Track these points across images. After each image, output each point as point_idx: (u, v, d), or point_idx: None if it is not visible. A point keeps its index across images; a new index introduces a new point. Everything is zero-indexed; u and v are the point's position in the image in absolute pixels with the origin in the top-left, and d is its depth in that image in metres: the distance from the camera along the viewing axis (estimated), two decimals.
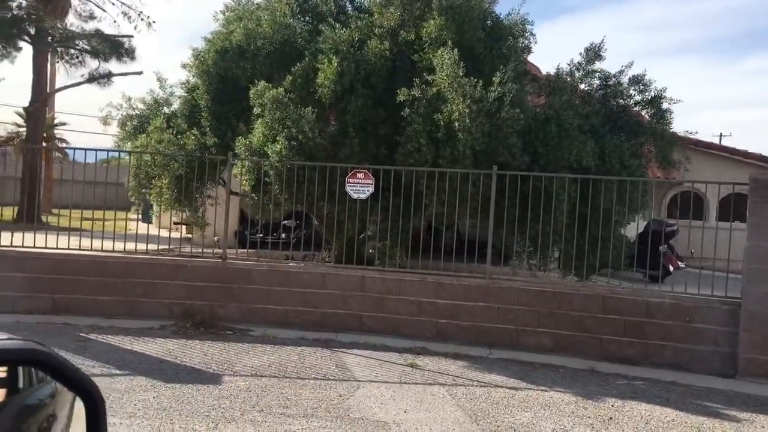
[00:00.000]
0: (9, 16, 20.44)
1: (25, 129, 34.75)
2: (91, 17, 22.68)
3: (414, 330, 8.14)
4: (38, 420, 1.84)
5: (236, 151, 9.15)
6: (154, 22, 24.08)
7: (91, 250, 8.62)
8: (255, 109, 9.16)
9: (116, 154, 14.73)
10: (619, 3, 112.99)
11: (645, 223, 13.44)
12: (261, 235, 14.25)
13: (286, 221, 16.25)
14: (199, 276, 8.47)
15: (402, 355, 7.40)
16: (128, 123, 11.01)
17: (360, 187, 8.35)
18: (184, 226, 22.65)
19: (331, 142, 9.16)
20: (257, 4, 11.54)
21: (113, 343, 7.18)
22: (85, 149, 9.64)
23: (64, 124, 37.73)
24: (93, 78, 22.24)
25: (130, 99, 11.13)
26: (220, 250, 8.83)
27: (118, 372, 6.11)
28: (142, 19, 23.74)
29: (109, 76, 22.27)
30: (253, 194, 9.23)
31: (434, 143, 8.49)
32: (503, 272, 9.26)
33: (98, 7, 23.75)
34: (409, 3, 9.85)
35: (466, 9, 9.51)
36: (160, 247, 10.43)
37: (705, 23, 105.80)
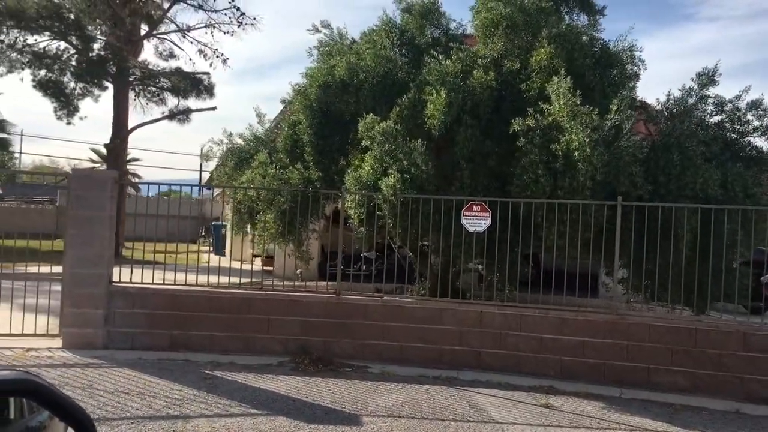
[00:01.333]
0: (95, 57, 21.25)
1: (99, 165, 36.17)
2: (171, 56, 23.43)
3: (536, 367, 7.86)
4: None
5: (345, 184, 9.12)
6: (227, 59, 24.74)
7: (206, 285, 8.64)
8: (364, 142, 9.13)
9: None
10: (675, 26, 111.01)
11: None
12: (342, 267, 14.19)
13: (365, 253, 16.22)
14: (314, 312, 8.39)
15: (530, 394, 7.13)
16: (230, 158, 11.14)
17: (476, 219, 8.17)
18: (257, 259, 22.84)
19: (441, 175, 9.03)
20: (352, 38, 11.64)
21: (240, 380, 7.11)
22: (190, 185, 9.76)
23: (137, 159, 39.01)
24: (173, 114, 22.84)
25: (231, 135, 11.29)
26: (328, 285, 8.75)
27: (256, 412, 6.01)
28: (217, 57, 24.42)
29: (187, 112, 22.83)
30: (361, 228, 9.12)
31: (552, 174, 8.27)
32: (592, 304, 8.98)
33: (176, 45, 24.58)
34: (513, 33, 9.74)
35: (575, 36, 9.36)
36: (243, 280, 10.36)
37: None
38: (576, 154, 7.95)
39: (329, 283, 10.49)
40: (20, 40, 21.50)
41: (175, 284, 8.60)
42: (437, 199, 8.40)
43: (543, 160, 8.27)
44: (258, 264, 21.49)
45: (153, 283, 8.54)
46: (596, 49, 9.78)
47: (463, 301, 8.46)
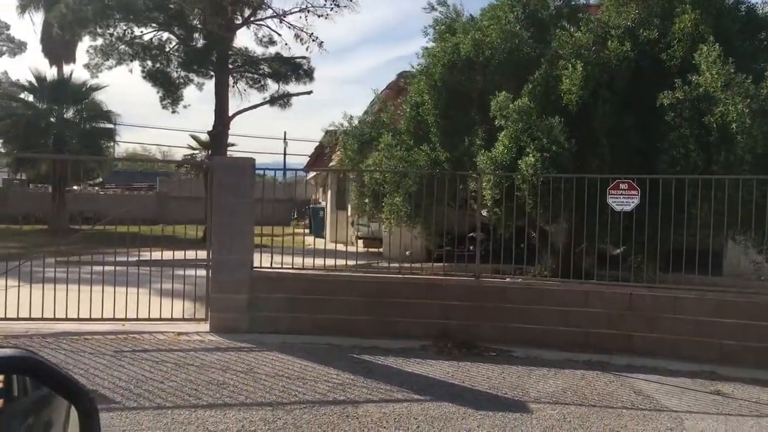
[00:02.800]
0: (199, 46, 21.76)
1: (198, 152, 37.19)
2: (271, 42, 23.69)
3: (693, 352, 7.48)
4: (35, 427, 1.87)
5: (478, 165, 8.94)
6: (323, 42, 24.82)
7: (344, 269, 8.68)
8: (497, 121, 8.90)
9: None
10: None
11: None
12: (448, 248, 14.00)
13: (472, 233, 15.97)
14: (453, 295, 8.29)
15: (695, 381, 6.79)
16: (351, 141, 11.13)
17: (624, 198, 7.82)
18: (361, 241, 22.91)
19: (578, 152, 8.70)
20: (470, 14, 11.38)
21: (391, 365, 7.10)
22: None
23: (233, 144, 39.85)
24: (274, 99, 23.19)
25: (351, 118, 11.28)
26: (472, 270, 8.61)
27: (420, 397, 5.96)
28: (313, 40, 24.53)
29: (287, 96, 23.11)
30: (496, 209, 8.91)
31: (704, 148, 7.81)
32: (723, 283, 8.53)
33: (274, 31, 24.82)
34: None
35: (719, 0, 8.79)
36: (351, 262, 10.18)
37: None
38: (733, 126, 7.47)
39: (446, 264, 10.33)
40: (128, 33, 22.27)
41: (314, 269, 8.68)
42: (580, 177, 8.08)
43: (694, 134, 7.81)
44: (360, 246, 21.71)
45: (292, 268, 8.64)
46: (742, 13, 9.15)
47: (611, 283, 8.16)
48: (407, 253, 13.28)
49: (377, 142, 10.52)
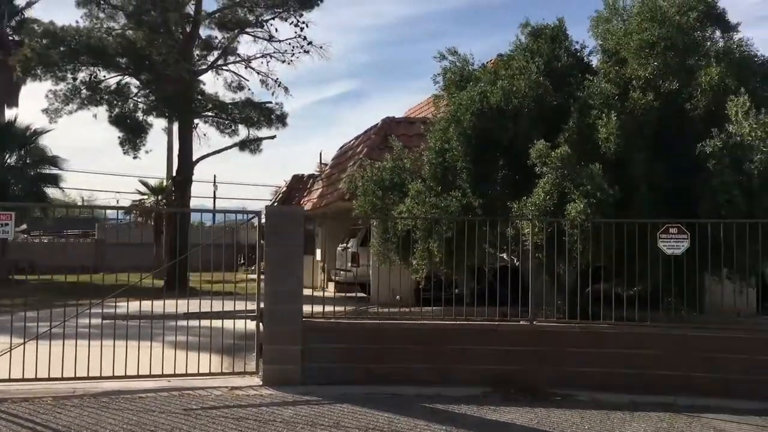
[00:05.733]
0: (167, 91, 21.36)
1: (146, 198, 36.24)
2: (239, 87, 23.58)
3: (750, 390, 7.73)
4: None
5: (519, 210, 9.11)
6: (287, 88, 24.86)
7: (397, 318, 8.60)
8: (537, 168, 9.13)
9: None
10: None
11: None
12: (444, 291, 14.07)
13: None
14: (509, 340, 8.32)
15: (764, 419, 7.02)
16: (373, 188, 11.14)
17: (674, 242, 8.11)
18: (331, 286, 22.66)
19: (620, 198, 8.99)
20: (484, 64, 11.72)
21: (469, 413, 7.04)
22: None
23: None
24: (243, 144, 22.97)
25: (371, 163, 11.31)
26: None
27: None
28: (279, 85, 24.56)
29: (258, 140, 22.94)
30: (538, 254, 9.04)
31: (746, 194, 8.23)
32: None
33: (238, 75, 24.69)
34: (670, 52, 9.75)
35: (740, 52, 9.40)
36: (339, 308, 10.08)
37: None
38: None
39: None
40: (93, 77, 21.69)
41: (367, 318, 8.57)
42: (631, 222, 8.33)
43: (736, 180, 8.24)
44: (331, 291, 21.44)
45: (345, 318, 8.51)
46: (760, 62, 9.84)
47: (665, 324, 8.37)
48: (397, 297, 13.25)
49: (403, 189, 10.58)
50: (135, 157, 23.69)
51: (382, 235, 10.86)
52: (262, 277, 8.35)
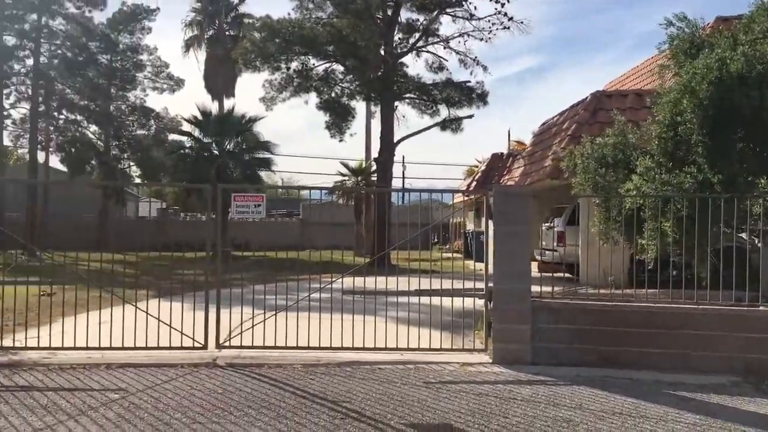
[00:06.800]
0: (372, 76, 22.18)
1: (347, 179, 38.00)
2: (440, 68, 23.87)
3: None
4: None
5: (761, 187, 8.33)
6: (486, 66, 24.68)
7: (632, 299, 8.27)
8: None
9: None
10: None
11: None
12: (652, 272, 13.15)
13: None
14: (759, 327, 7.67)
15: None
16: (591, 164, 10.76)
17: None
18: (537, 265, 22.23)
19: None
20: (720, 29, 10.80)
21: (724, 403, 6.59)
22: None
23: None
24: (445, 124, 23.28)
25: (593, 140, 10.92)
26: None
27: None
28: (477, 64, 24.47)
29: (458, 120, 23.13)
30: None
31: None
32: None
33: (438, 56, 24.96)
34: None
35: None
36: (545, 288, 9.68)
37: None
38: None
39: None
40: (304, 66, 23.06)
41: (600, 299, 8.33)
42: None
43: None
44: (534, 271, 21.09)
45: (576, 298, 8.34)
46: None
47: None
48: (610, 279, 12.65)
49: (629, 165, 10.08)
50: (341, 140, 24.94)
51: (604, 213, 10.46)
52: (491, 257, 8.41)
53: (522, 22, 22.97)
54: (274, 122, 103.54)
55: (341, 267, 9.90)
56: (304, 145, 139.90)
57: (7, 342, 8.28)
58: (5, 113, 34.12)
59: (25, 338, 8.42)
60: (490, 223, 8.45)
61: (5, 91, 33.66)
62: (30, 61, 32.78)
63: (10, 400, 6.11)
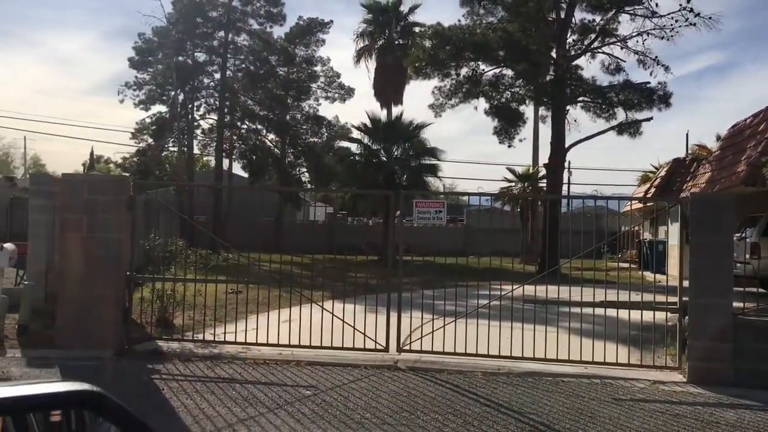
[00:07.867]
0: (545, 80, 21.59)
1: (513, 184, 37.36)
2: (617, 69, 22.81)
3: None
4: None
5: None
6: (668, 66, 23.19)
7: None
8: None
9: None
10: None
11: None
12: None
13: None
14: None
15: None
16: None
17: None
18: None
19: None
20: None
21: None
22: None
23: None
24: (622, 128, 22.21)
25: None
26: None
27: None
28: (657, 64, 23.06)
29: (636, 123, 21.94)
30: None
31: None
32: None
33: (614, 57, 23.84)
34: None
35: None
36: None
37: None
38: None
39: None
40: (474, 72, 23.01)
41: None
42: None
43: None
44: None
45: None
46: None
47: None
48: None
49: None
50: (509, 146, 24.53)
51: None
52: (686, 269, 7.84)
53: (710, 18, 21.31)
54: (436, 127, 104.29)
55: (509, 274, 9.73)
56: (462, 150, 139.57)
57: (208, 336, 8.95)
58: (196, 123, 37.21)
59: (224, 333, 9.06)
60: (676, 232, 7.89)
61: (196, 104, 36.71)
62: (218, 75, 35.42)
63: (215, 391, 6.59)
